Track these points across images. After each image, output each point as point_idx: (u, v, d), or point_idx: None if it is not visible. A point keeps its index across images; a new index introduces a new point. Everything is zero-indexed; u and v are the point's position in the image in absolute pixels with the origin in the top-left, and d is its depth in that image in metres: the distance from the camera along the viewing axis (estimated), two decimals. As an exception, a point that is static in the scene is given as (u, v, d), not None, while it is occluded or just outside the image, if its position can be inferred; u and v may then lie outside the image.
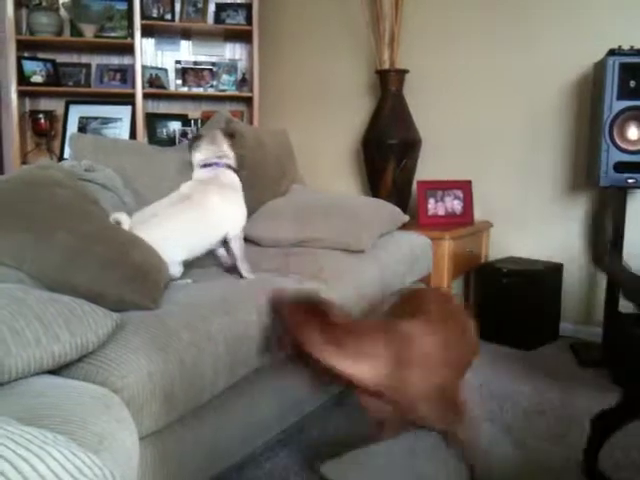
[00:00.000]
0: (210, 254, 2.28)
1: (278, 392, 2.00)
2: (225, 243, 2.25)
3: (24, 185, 1.82)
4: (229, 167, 2.28)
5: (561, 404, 2.44)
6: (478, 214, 3.49)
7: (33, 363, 1.24)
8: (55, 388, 1.24)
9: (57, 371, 1.35)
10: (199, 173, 2.25)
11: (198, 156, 2.28)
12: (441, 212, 3.43)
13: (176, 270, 2.04)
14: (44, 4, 3.77)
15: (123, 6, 3.85)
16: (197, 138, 2.34)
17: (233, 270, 2.24)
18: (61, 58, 3.90)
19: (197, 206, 2.11)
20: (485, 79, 3.55)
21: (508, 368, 2.83)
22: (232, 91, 4.02)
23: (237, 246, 2.20)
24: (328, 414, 2.35)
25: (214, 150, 2.28)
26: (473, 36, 3.56)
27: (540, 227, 3.40)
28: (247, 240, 2.66)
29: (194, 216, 2.11)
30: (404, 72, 3.59)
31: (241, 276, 2.18)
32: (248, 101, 3.96)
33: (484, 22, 3.52)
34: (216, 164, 2.25)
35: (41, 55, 3.87)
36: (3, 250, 1.66)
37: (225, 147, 2.31)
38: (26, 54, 3.78)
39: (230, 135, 2.34)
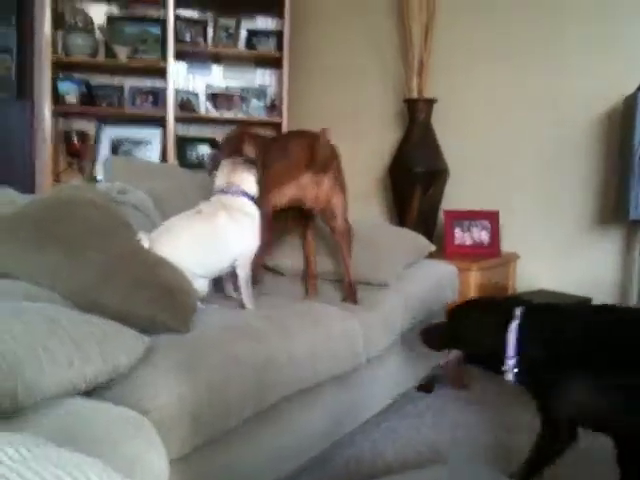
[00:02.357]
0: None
1: (305, 421, 1.98)
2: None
3: (59, 205, 1.85)
4: (246, 194, 2.26)
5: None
6: (505, 245, 3.47)
7: (65, 384, 1.24)
8: (86, 410, 1.24)
9: (88, 392, 1.35)
10: (215, 197, 2.25)
11: (217, 182, 2.28)
12: (468, 242, 3.42)
13: (199, 284, 2.04)
14: (80, 26, 3.85)
15: (157, 30, 3.92)
16: (216, 165, 2.32)
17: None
18: (95, 79, 3.98)
19: (206, 220, 2.10)
20: (513, 109, 3.55)
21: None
22: (261, 116, 4.06)
23: (243, 273, 2.14)
24: (354, 444, 2.33)
25: (232, 177, 2.27)
26: (502, 66, 3.57)
27: (568, 260, 3.36)
28: (270, 269, 2.68)
29: (203, 229, 2.09)
30: (432, 101, 3.60)
31: (243, 306, 2.14)
32: (277, 127, 3.99)
33: (513, 52, 3.53)
34: (232, 191, 2.24)
35: (75, 76, 3.95)
36: (38, 269, 1.68)
37: (244, 174, 2.26)
38: (61, 74, 3.87)
39: (250, 162, 2.32)
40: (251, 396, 1.65)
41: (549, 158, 3.44)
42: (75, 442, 1.09)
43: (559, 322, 1.87)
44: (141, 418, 1.27)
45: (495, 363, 1.90)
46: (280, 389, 1.78)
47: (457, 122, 3.68)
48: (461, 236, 3.43)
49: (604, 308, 1.93)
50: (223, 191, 2.22)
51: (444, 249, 3.38)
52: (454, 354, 2.13)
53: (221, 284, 2.30)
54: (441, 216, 3.58)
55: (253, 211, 2.22)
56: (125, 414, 1.26)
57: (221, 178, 2.26)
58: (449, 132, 3.65)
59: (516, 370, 1.87)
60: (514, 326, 1.87)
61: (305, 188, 2.22)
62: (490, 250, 3.39)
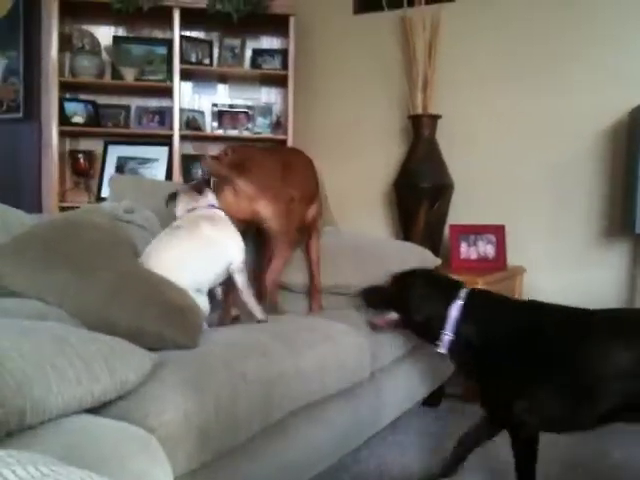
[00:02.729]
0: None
1: (312, 436, 1.98)
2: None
3: (66, 226, 1.88)
4: (213, 207, 2.21)
5: (595, 456, 2.37)
6: (511, 259, 3.47)
7: (73, 402, 1.25)
8: (94, 427, 1.25)
9: (95, 409, 1.36)
10: (187, 215, 2.19)
11: (180, 206, 2.21)
12: (473, 256, 3.42)
13: (199, 301, 2.00)
14: (87, 48, 3.91)
15: (163, 51, 3.96)
16: (172, 196, 2.27)
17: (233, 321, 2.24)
18: (101, 99, 4.02)
19: (189, 232, 2.06)
20: (518, 124, 3.56)
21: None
22: (267, 134, 4.09)
23: (242, 280, 2.12)
24: (360, 460, 2.33)
25: (194, 198, 2.21)
26: (506, 81, 3.59)
27: (574, 274, 3.36)
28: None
29: (189, 241, 2.05)
30: (437, 117, 3.62)
31: (257, 320, 2.12)
32: (282, 143, 4.02)
33: (517, 68, 3.55)
34: (200, 207, 2.19)
35: (82, 96, 3.99)
36: (46, 287, 1.70)
37: (202, 196, 2.21)
38: (68, 95, 3.91)
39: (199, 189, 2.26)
40: (259, 412, 1.65)
41: (555, 172, 3.45)
42: (82, 459, 1.09)
43: (496, 311, 1.97)
44: (147, 435, 1.28)
45: (431, 334, 2.04)
46: (288, 404, 1.78)
47: (462, 137, 3.70)
48: (467, 250, 3.43)
49: (546, 306, 1.99)
50: (190, 210, 2.17)
51: (450, 263, 3.38)
52: (391, 317, 2.16)
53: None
54: (447, 230, 3.58)
55: (225, 217, 2.19)
56: (131, 431, 1.27)
57: (181, 206, 2.21)
58: (454, 147, 3.66)
59: (449, 346, 2.00)
60: (457, 304, 1.99)
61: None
62: (496, 264, 3.39)
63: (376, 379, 2.31)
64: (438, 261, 3.00)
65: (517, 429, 1.91)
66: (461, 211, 3.67)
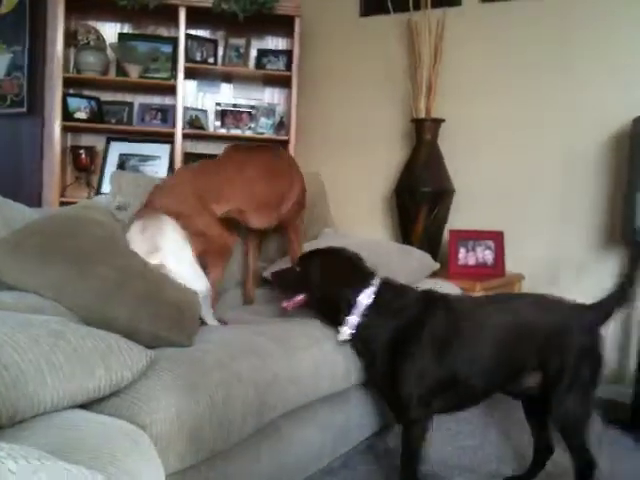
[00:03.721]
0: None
1: (303, 438, 1.98)
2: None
3: (66, 221, 1.88)
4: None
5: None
6: (510, 266, 3.47)
7: (67, 397, 1.25)
8: (86, 423, 1.25)
9: (88, 404, 1.36)
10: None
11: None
12: (472, 262, 3.42)
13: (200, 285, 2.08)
14: (92, 44, 3.90)
15: (168, 49, 3.97)
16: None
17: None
18: (105, 96, 4.02)
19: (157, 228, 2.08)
20: (520, 130, 3.56)
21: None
22: (269, 134, 4.09)
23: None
24: (350, 465, 2.32)
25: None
26: (510, 88, 3.59)
27: (573, 282, 3.36)
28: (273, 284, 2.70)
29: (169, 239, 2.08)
30: (440, 121, 3.63)
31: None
32: (284, 144, 4.01)
33: (521, 75, 3.55)
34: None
35: (86, 92, 3.99)
36: (43, 282, 1.70)
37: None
38: (71, 91, 3.90)
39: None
40: (252, 413, 1.65)
41: (555, 179, 3.45)
42: (74, 454, 1.10)
43: (401, 302, 2.02)
44: (140, 432, 1.28)
45: (338, 316, 2.04)
46: (281, 406, 1.79)
47: (464, 142, 3.70)
48: (465, 256, 3.43)
49: (452, 298, 2.11)
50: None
51: (448, 268, 3.38)
52: (297, 298, 2.15)
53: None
54: (446, 235, 3.58)
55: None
56: (124, 428, 1.27)
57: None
58: (456, 152, 3.66)
59: (353, 331, 2.02)
60: (370, 291, 2.02)
61: None
62: (494, 270, 3.39)
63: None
64: (437, 265, 3.00)
65: (406, 416, 1.96)
66: (461, 216, 3.66)
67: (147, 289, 1.77)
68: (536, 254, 3.48)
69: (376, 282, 2.06)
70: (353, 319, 2.02)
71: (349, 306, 2.02)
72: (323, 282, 2.08)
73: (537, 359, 1.97)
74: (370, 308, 2.01)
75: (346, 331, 2.04)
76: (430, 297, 2.08)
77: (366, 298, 2.01)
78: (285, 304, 2.17)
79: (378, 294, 2.02)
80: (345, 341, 2.07)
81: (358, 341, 2.07)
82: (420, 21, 3.68)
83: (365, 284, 2.04)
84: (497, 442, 2.58)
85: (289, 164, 2.69)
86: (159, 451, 1.31)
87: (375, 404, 2.35)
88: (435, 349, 1.94)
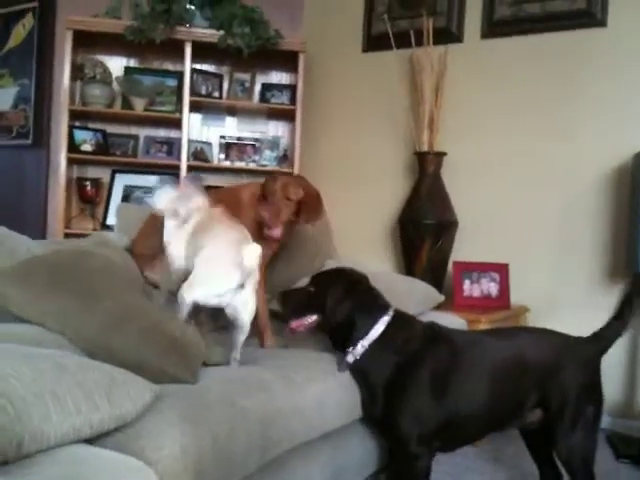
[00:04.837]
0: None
1: (309, 476, 1.96)
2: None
3: (73, 255, 1.91)
4: None
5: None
6: (515, 298, 3.45)
7: (72, 432, 1.24)
8: (91, 458, 1.24)
9: (92, 439, 1.35)
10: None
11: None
12: (477, 294, 3.41)
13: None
14: (98, 77, 3.95)
15: (173, 82, 4.01)
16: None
17: None
18: (111, 129, 4.06)
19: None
20: (523, 164, 3.58)
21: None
22: (273, 166, 4.11)
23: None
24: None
25: None
26: (511, 122, 3.62)
27: (578, 314, 3.33)
28: (279, 316, 2.68)
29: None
30: (442, 155, 3.65)
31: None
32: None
33: (523, 109, 3.59)
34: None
35: (92, 125, 4.03)
36: (49, 312, 1.71)
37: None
38: (77, 123, 3.94)
39: None
40: (256, 449, 1.63)
41: (559, 212, 3.46)
42: (79, 491, 1.08)
43: (405, 339, 1.99)
44: (146, 469, 1.26)
45: (346, 341, 2.00)
46: (286, 442, 1.76)
47: (467, 175, 3.72)
48: (470, 288, 3.43)
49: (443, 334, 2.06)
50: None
51: (453, 300, 3.37)
52: (310, 319, 2.09)
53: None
54: (450, 267, 3.58)
55: None
56: (130, 464, 1.25)
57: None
58: (459, 185, 3.68)
59: (356, 358, 1.99)
60: (384, 319, 1.99)
61: None
62: (499, 302, 3.38)
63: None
64: (442, 298, 2.99)
65: (406, 453, 1.93)
66: (465, 248, 3.66)
67: (152, 325, 1.77)
68: (540, 286, 3.47)
69: (390, 313, 2.03)
70: (359, 348, 1.99)
71: (364, 333, 1.98)
72: (341, 306, 2.01)
73: (537, 395, 1.95)
74: (376, 340, 1.98)
75: (349, 359, 2.01)
76: (432, 332, 2.05)
77: (377, 329, 1.98)
78: (294, 325, 2.10)
79: (388, 326, 2.00)
80: (349, 367, 2.04)
81: (357, 372, 2.04)
82: (422, 57, 3.73)
83: (381, 314, 2.02)
84: (507, 478, 2.53)
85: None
86: (164, 488, 1.29)
87: (378, 441, 2.31)
88: (434, 389, 1.91)
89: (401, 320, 2.05)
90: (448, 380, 1.92)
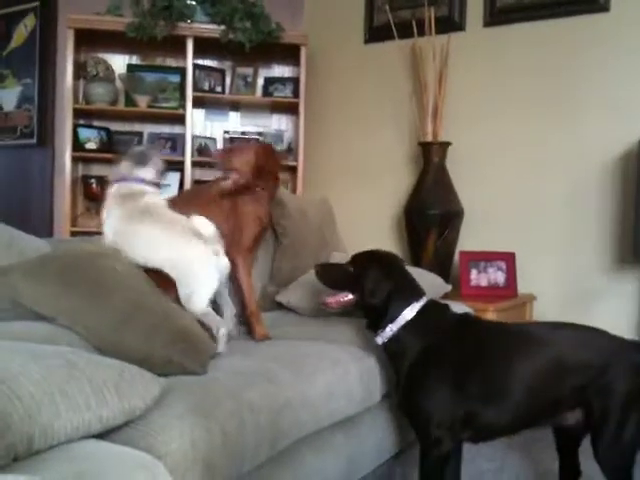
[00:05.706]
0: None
1: (318, 465, 1.97)
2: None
3: (83, 254, 1.94)
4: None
5: None
6: (521, 287, 3.45)
7: (81, 427, 1.25)
8: (101, 453, 1.24)
9: (102, 434, 1.36)
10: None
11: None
12: (483, 283, 3.41)
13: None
14: (101, 75, 3.96)
15: (176, 79, 4.02)
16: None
17: None
18: (115, 126, 4.07)
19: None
20: (528, 152, 3.57)
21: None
22: (277, 160, 4.10)
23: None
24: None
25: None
26: (516, 110, 3.61)
27: (585, 302, 3.34)
28: (286, 308, 2.69)
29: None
30: (447, 144, 3.64)
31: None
32: (292, 170, 4.04)
33: (527, 96, 3.57)
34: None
35: (96, 123, 4.04)
36: (60, 306, 1.73)
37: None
38: (82, 122, 3.95)
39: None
40: (266, 441, 1.64)
41: (565, 199, 3.45)
42: (89, 486, 1.09)
43: (436, 326, 1.99)
44: (156, 463, 1.27)
45: (378, 323, 2.00)
46: (295, 432, 1.77)
47: (472, 165, 3.71)
48: (477, 277, 3.42)
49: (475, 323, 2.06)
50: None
51: (460, 290, 3.37)
52: (346, 298, 2.09)
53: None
54: (457, 257, 3.58)
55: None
56: (140, 459, 1.26)
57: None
58: (464, 174, 3.67)
59: (385, 341, 1.99)
60: (416, 305, 1.99)
61: None
62: (506, 291, 3.37)
63: (386, 405, 2.29)
64: (448, 287, 2.99)
65: (426, 437, 1.92)
66: (471, 238, 3.66)
67: (161, 318, 1.79)
68: (547, 275, 3.47)
69: (423, 300, 2.03)
70: (389, 330, 1.99)
71: (394, 316, 1.98)
72: (380, 288, 2.01)
73: (577, 397, 1.87)
74: (407, 324, 1.98)
75: (378, 340, 2.02)
76: (464, 322, 2.04)
77: (408, 313, 1.98)
78: (329, 300, 2.11)
79: (421, 312, 1.99)
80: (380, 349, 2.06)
81: (386, 354, 2.05)
82: (424, 47, 3.72)
83: (414, 299, 2.01)
84: (518, 465, 2.53)
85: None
86: (175, 481, 1.30)
87: (390, 428, 2.32)
88: (457, 377, 1.89)
89: (433, 308, 2.04)
90: (474, 370, 1.89)
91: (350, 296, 2.08)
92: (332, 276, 2.14)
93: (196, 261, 2.01)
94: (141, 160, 2.25)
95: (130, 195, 2.18)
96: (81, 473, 1.13)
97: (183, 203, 2.29)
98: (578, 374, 1.86)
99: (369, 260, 2.10)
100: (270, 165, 2.42)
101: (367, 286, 2.02)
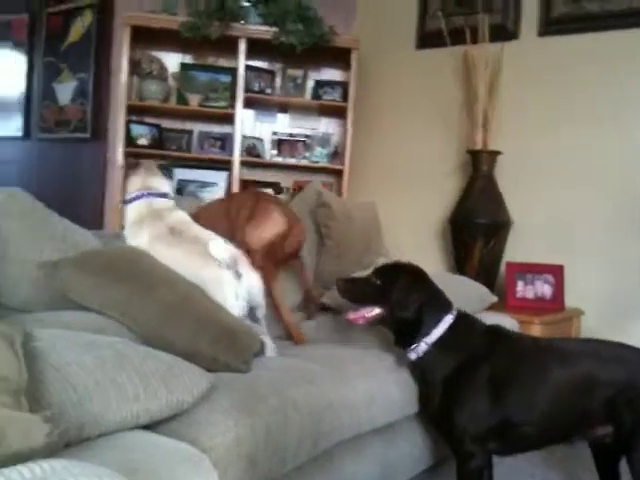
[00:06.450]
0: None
1: (358, 470, 1.96)
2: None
3: (132, 250, 1.99)
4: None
5: None
6: (569, 301, 3.38)
7: (130, 418, 1.27)
8: (148, 444, 1.27)
9: (149, 426, 1.38)
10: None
11: None
12: (530, 295, 3.36)
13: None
14: (155, 73, 4.02)
15: (227, 79, 4.06)
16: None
17: None
18: (166, 123, 4.12)
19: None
20: (579, 163, 3.51)
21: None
22: (324, 163, 4.12)
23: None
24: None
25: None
26: (566, 120, 3.55)
27: (633, 318, 3.26)
28: (330, 309, 2.69)
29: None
30: (497, 153, 3.60)
31: None
32: (338, 173, 4.04)
33: (579, 108, 3.51)
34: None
35: (148, 120, 4.10)
36: (108, 299, 1.76)
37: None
38: (134, 118, 4.02)
39: None
40: (308, 441, 1.65)
41: (617, 212, 3.37)
42: (136, 474, 1.11)
43: (468, 339, 1.98)
44: (201, 457, 1.29)
45: (410, 337, 1.97)
46: (336, 435, 1.78)
47: (522, 175, 3.65)
48: (523, 289, 3.38)
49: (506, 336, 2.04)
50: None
51: (505, 302, 3.32)
52: (373, 312, 2.01)
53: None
54: (503, 268, 3.53)
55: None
56: (185, 451, 1.28)
57: None
58: (513, 184, 3.62)
59: (419, 356, 1.96)
60: (448, 318, 1.97)
61: None
62: (553, 305, 3.32)
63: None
64: (495, 298, 2.96)
65: (461, 451, 1.91)
66: (518, 249, 3.60)
67: (207, 314, 1.81)
68: (596, 289, 3.40)
69: (454, 312, 2.01)
70: (423, 346, 1.97)
71: (429, 330, 1.96)
72: (411, 301, 1.97)
73: (606, 412, 1.86)
74: (440, 339, 1.96)
75: (412, 356, 1.99)
76: (495, 335, 2.02)
77: (441, 327, 1.96)
78: (353, 316, 2.04)
79: (453, 325, 1.98)
80: (409, 364, 2.04)
81: (418, 369, 2.03)
82: (477, 54, 3.68)
83: (445, 312, 2.00)
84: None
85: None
86: (218, 476, 1.31)
87: (427, 439, 2.30)
88: (491, 390, 1.88)
89: (464, 320, 2.03)
90: (506, 383, 1.89)
91: (377, 310, 2.01)
92: (357, 290, 2.06)
93: (210, 283, 1.98)
94: (151, 171, 2.27)
95: (158, 212, 2.18)
96: (129, 461, 1.15)
97: (206, 216, 2.32)
98: (608, 388, 1.85)
99: (396, 272, 2.05)
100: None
101: (397, 299, 1.97)
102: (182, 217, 2.21)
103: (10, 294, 1.86)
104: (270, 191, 4.06)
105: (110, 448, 1.21)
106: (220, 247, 2.00)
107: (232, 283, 2.00)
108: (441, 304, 2.02)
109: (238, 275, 2.02)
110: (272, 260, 2.32)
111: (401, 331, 2.02)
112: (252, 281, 2.08)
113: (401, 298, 1.97)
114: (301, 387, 1.72)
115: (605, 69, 3.43)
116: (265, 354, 2.02)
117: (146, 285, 1.79)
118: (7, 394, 1.02)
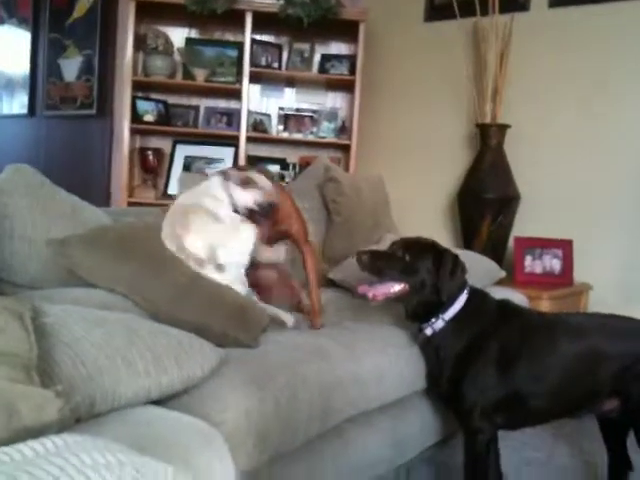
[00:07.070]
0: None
1: (366, 444, 1.97)
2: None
3: (142, 227, 1.98)
4: None
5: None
6: (577, 276, 3.37)
7: (141, 393, 1.27)
8: (159, 419, 1.27)
9: (160, 401, 1.38)
10: None
11: None
12: (538, 270, 3.35)
13: None
14: (160, 48, 3.99)
15: (234, 53, 4.02)
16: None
17: None
18: (172, 99, 4.11)
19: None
20: (589, 136, 3.47)
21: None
22: (331, 138, 4.09)
23: None
24: (412, 474, 2.29)
25: None
26: (577, 93, 3.51)
27: (643, 293, 3.25)
28: (339, 286, 2.69)
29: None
30: (506, 127, 3.56)
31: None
32: (346, 148, 4.02)
33: (590, 79, 3.47)
34: None
35: (154, 96, 4.08)
36: (116, 277, 1.75)
37: None
38: (140, 94, 4.00)
39: None
40: (317, 416, 1.65)
41: (629, 185, 3.34)
42: (148, 449, 1.11)
43: (480, 315, 1.98)
44: (213, 431, 1.29)
45: (428, 313, 1.97)
46: (346, 410, 1.78)
47: (531, 149, 3.62)
48: (531, 264, 3.36)
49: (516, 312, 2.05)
50: None
51: (514, 277, 3.31)
52: (397, 288, 1.96)
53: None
54: (511, 243, 3.52)
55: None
56: (196, 426, 1.28)
57: None
58: (522, 158, 3.59)
59: (436, 331, 1.97)
60: (463, 298, 1.98)
61: None
62: (561, 280, 3.30)
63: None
64: (503, 273, 2.94)
65: (469, 425, 1.94)
66: (527, 223, 3.58)
67: (215, 292, 1.82)
68: (605, 264, 3.38)
69: (467, 288, 2.02)
70: (440, 322, 1.97)
71: (447, 306, 1.96)
72: (452, 284, 1.96)
73: (613, 386, 1.88)
74: (455, 315, 1.97)
75: (428, 331, 2.00)
76: (505, 309, 2.03)
77: (458, 304, 1.97)
78: (374, 293, 1.96)
79: (466, 302, 1.99)
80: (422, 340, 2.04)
81: (431, 345, 2.03)
82: (487, 26, 3.63)
83: (463, 289, 2.01)
84: (566, 455, 2.50)
85: None
86: (229, 450, 1.32)
87: (436, 414, 2.31)
88: (500, 363, 1.90)
89: (477, 296, 2.04)
90: (515, 356, 1.90)
91: (400, 286, 1.96)
92: (383, 265, 1.97)
93: None
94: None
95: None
96: (141, 436, 1.16)
97: None
98: (616, 362, 1.87)
99: (425, 249, 2.01)
100: None
101: (423, 275, 1.95)
102: None
103: (19, 271, 1.86)
104: (276, 167, 4.05)
105: (121, 423, 1.21)
106: (194, 243, 1.91)
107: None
108: (463, 281, 2.03)
109: (219, 268, 1.93)
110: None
111: (423, 307, 2.00)
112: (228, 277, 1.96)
113: (427, 275, 1.95)
114: (311, 363, 1.72)
115: (617, 39, 3.38)
116: (288, 326, 2.05)
117: (156, 264, 1.79)
118: (19, 369, 1.02)
